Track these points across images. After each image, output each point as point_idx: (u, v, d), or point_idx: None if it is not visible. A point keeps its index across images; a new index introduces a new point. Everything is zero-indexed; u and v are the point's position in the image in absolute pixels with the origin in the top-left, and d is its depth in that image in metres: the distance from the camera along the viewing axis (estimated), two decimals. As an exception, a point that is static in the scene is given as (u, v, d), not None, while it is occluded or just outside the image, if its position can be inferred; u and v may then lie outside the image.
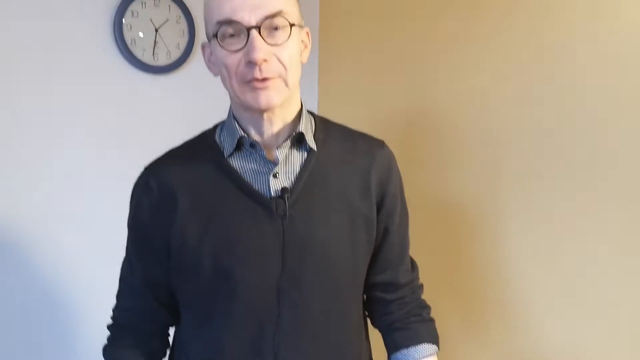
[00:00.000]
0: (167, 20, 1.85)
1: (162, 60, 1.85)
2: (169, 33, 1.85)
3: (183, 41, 1.87)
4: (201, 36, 1.90)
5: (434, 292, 1.28)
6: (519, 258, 1.73)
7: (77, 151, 1.71)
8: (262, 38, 0.94)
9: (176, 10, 1.86)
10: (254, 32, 0.94)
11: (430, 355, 1.14)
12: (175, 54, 1.87)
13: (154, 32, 1.82)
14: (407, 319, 1.16)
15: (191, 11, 1.88)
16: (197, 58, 1.91)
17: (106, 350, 1.10)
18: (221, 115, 1.15)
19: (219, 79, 1.03)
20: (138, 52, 1.80)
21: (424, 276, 1.24)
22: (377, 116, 1.99)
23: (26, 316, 1.64)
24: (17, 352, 1.63)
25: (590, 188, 1.55)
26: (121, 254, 1.12)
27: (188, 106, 1.89)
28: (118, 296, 1.11)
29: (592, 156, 1.54)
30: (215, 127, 1.10)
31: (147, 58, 1.82)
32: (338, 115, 1.23)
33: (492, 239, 1.78)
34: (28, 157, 1.63)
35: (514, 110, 1.68)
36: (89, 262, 1.72)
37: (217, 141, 1.06)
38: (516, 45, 1.67)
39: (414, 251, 1.23)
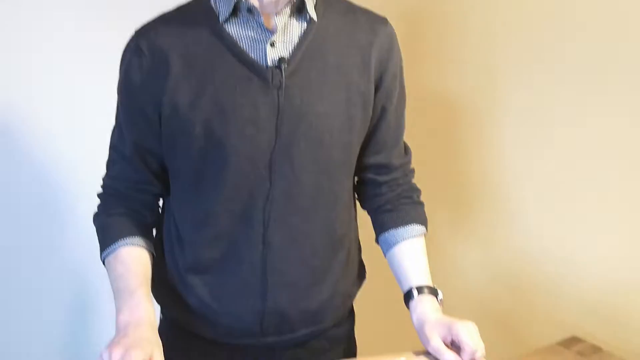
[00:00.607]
0: None
1: None
2: None
3: None
4: None
5: (424, 184, 1.27)
6: (512, 152, 1.73)
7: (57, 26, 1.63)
8: None
9: None
10: None
11: (418, 235, 1.15)
12: None
13: None
14: (397, 200, 1.17)
15: None
16: None
17: (97, 218, 1.09)
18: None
19: None
20: None
21: (416, 165, 1.24)
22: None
23: (15, 188, 1.62)
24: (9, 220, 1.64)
25: (588, 81, 1.53)
26: (109, 124, 1.09)
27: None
28: (108, 164, 1.10)
29: (591, 48, 1.51)
30: None
31: None
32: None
33: (487, 132, 1.78)
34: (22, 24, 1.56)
35: (513, 9, 1.64)
36: (77, 132, 1.68)
37: (213, 5, 1.01)
38: None
39: (408, 139, 1.22)
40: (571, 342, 1.50)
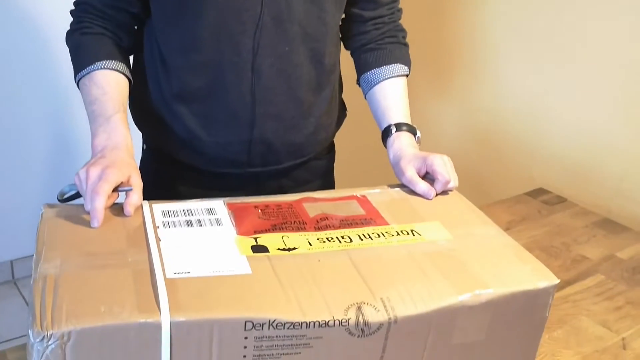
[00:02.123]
0: None
1: None
2: None
3: None
4: None
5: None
6: (495, 18, 1.71)
7: None
8: None
9: None
10: None
11: (401, 75, 1.14)
12: None
13: None
14: (382, 39, 1.14)
15: None
16: None
17: (70, 36, 1.04)
18: None
19: None
20: None
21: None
22: None
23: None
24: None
25: None
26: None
27: None
28: None
29: None
30: None
31: None
32: None
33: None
34: None
35: None
36: None
37: None
38: None
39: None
40: (538, 192, 1.56)
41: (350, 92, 1.24)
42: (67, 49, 1.04)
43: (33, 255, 0.77)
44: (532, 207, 1.48)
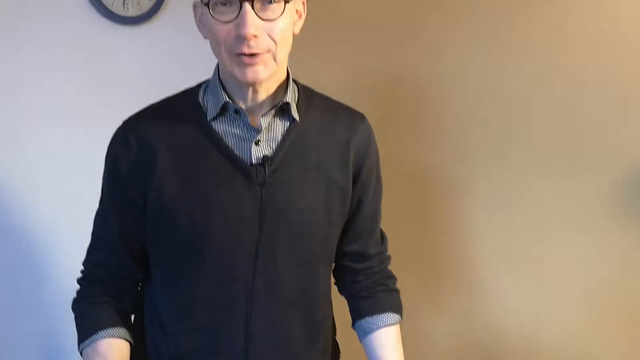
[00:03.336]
0: (138, -32, 1.77)
1: (132, 11, 1.78)
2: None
3: (154, -9, 1.80)
4: (175, -15, 1.83)
5: (397, 255, 1.29)
6: (483, 230, 1.79)
7: (43, 108, 1.63)
8: (255, 12, 0.93)
9: (148, -42, 1.78)
10: (247, 6, 0.93)
11: (394, 324, 1.18)
12: (147, 5, 1.80)
13: (124, -20, 1.75)
14: (374, 288, 1.19)
15: (164, -42, 1.79)
16: (169, 10, 1.84)
17: (76, 305, 1.09)
18: (195, 72, 1.14)
19: (192, 33, 1.04)
20: (107, 1, 1.73)
21: (389, 235, 1.26)
22: (348, 77, 1.98)
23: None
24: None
25: (558, 175, 1.62)
26: (93, 208, 1.10)
27: (160, 61, 1.83)
28: (90, 250, 1.10)
29: (562, 141, 1.60)
30: (199, 86, 1.09)
31: (117, 8, 1.75)
32: (308, 75, 1.21)
33: (458, 211, 1.83)
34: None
35: (489, 85, 1.72)
36: (61, 218, 1.65)
37: (201, 102, 1.05)
38: (492, 20, 1.70)
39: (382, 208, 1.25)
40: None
41: (346, 329, 1.26)
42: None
43: None
44: None
